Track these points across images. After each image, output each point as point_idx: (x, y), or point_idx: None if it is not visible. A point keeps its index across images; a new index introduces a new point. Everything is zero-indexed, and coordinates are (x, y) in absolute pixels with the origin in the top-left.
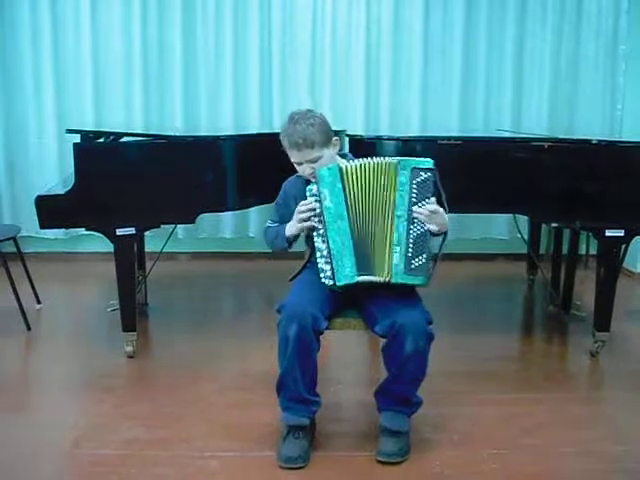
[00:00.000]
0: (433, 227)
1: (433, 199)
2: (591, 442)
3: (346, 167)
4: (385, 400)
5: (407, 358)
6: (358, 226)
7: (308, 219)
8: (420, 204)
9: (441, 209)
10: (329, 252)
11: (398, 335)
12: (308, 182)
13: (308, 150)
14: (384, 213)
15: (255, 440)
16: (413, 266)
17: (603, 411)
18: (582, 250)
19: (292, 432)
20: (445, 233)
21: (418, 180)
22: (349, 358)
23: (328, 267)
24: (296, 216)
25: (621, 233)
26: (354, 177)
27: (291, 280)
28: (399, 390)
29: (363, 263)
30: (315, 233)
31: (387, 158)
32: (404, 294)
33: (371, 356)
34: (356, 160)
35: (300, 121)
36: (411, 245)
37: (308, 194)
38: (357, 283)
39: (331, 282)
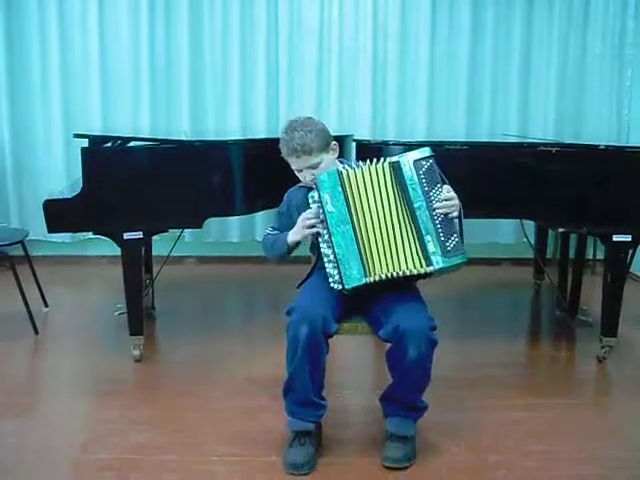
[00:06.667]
0: (454, 214)
1: (445, 187)
2: (598, 448)
3: (346, 171)
4: (391, 406)
5: (410, 364)
6: (363, 228)
7: (313, 226)
8: (434, 191)
9: (453, 193)
10: (335, 257)
11: (401, 340)
12: (310, 191)
13: (307, 157)
14: (396, 211)
15: (262, 445)
16: (449, 247)
17: (610, 417)
18: (589, 255)
19: (298, 438)
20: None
21: (423, 170)
22: (355, 363)
23: (336, 272)
24: (301, 223)
25: (628, 238)
26: (354, 180)
27: (299, 286)
28: (404, 395)
29: (371, 264)
30: (320, 239)
31: (384, 159)
32: (409, 299)
33: (377, 361)
34: (353, 164)
35: (298, 128)
36: (440, 229)
37: (310, 201)
38: (366, 284)
39: (339, 286)
